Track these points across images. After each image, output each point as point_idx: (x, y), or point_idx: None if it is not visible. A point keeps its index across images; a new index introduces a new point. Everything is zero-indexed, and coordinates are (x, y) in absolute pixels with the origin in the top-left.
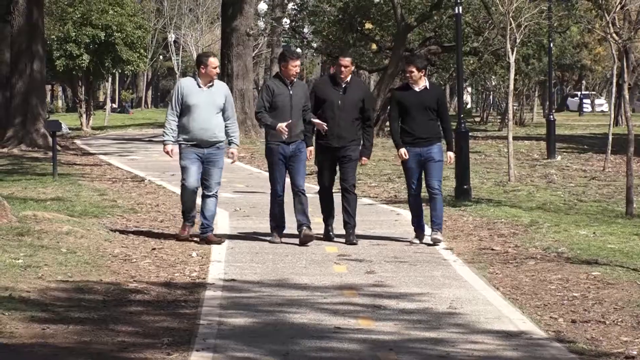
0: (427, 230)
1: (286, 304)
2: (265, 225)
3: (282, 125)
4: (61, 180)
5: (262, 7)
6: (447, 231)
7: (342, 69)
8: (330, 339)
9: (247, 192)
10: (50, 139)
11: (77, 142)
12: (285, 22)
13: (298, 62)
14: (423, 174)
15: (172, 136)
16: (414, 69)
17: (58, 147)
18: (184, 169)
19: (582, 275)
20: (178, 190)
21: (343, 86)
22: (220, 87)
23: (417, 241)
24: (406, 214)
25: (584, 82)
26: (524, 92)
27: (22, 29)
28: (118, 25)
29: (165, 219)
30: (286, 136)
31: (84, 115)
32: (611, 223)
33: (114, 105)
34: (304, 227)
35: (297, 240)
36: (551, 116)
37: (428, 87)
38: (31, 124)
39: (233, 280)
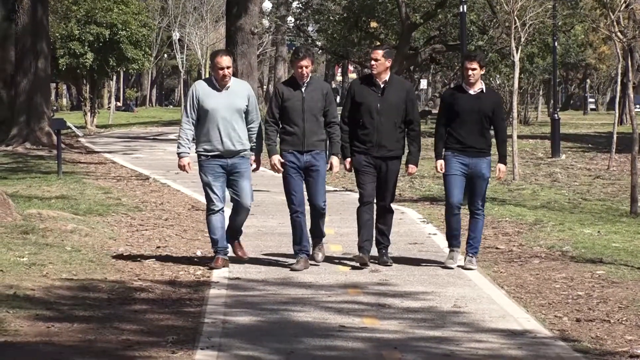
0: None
1: (290, 303)
2: (269, 224)
3: (275, 163)
4: (66, 178)
5: (267, 5)
6: None
7: (373, 62)
8: (334, 337)
9: (253, 191)
10: (54, 137)
11: (82, 140)
12: (290, 20)
13: (306, 62)
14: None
15: (188, 147)
16: (476, 66)
17: (63, 145)
18: (207, 186)
19: (587, 274)
20: (182, 188)
21: (381, 86)
22: (241, 87)
23: (453, 264)
24: (410, 213)
25: (588, 80)
26: (529, 90)
27: (27, 28)
28: (123, 24)
29: (170, 217)
30: (279, 169)
31: (89, 114)
32: (616, 222)
33: (119, 104)
34: (318, 247)
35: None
36: (555, 115)
37: (484, 91)
38: (36, 122)
39: (237, 278)
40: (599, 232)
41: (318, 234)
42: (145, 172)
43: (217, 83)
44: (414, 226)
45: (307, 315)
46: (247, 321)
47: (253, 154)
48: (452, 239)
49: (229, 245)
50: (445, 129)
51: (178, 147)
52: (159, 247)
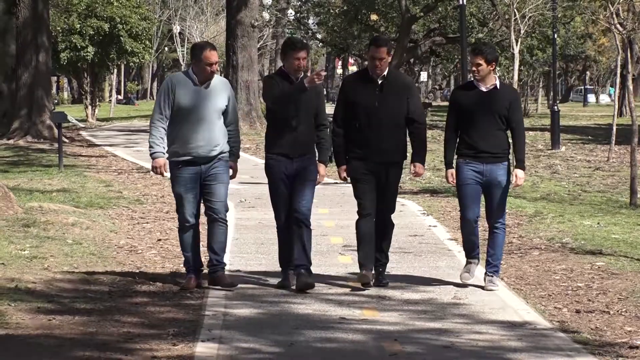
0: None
1: (291, 295)
2: (269, 216)
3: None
4: (67, 171)
5: None
6: (452, 222)
7: (377, 62)
8: (335, 329)
9: (253, 183)
10: (55, 131)
11: (83, 133)
12: (290, 13)
13: (303, 53)
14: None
15: (163, 147)
16: (481, 61)
17: (64, 139)
18: (178, 199)
19: (586, 266)
20: None
21: (379, 82)
22: (222, 85)
23: (470, 278)
24: (410, 205)
25: (588, 73)
26: (528, 83)
27: (28, 21)
28: (122, 17)
29: (171, 210)
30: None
31: (90, 107)
32: (615, 213)
33: (120, 97)
34: (302, 271)
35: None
36: (555, 107)
37: (498, 87)
38: (37, 115)
39: (238, 271)
40: (598, 223)
41: (302, 259)
42: (146, 165)
43: (198, 78)
44: (415, 218)
45: (308, 307)
46: (248, 313)
47: (230, 159)
48: (470, 250)
49: (210, 271)
50: (456, 133)
51: (151, 147)
52: (159, 239)
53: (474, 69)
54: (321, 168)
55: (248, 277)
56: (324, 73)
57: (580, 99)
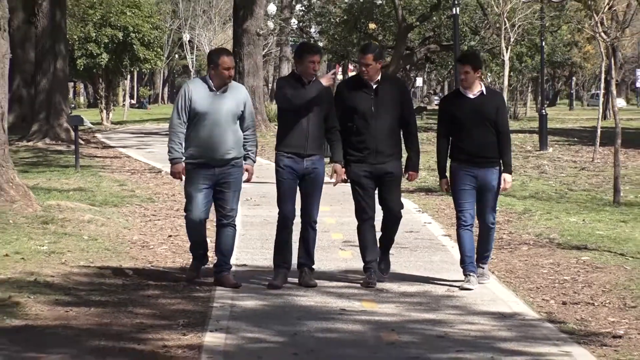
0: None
1: (294, 288)
2: (274, 214)
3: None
4: (83, 171)
5: (272, 8)
6: (445, 219)
7: (364, 68)
8: (335, 320)
9: (258, 183)
10: (72, 133)
11: (98, 135)
12: (293, 22)
13: (318, 57)
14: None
15: (182, 152)
16: (469, 69)
17: (80, 141)
18: (188, 197)
19: (572, 260)
20: None
21: (374, 87)
22: (239, 90)
23: (471, 286)
24: (406, 203)
25: (574, 78)
26: (518, 88)
27: (46, 30)
28: (134, 26)
29: (181, 207)
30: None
31: (104, 111)
32: (600, 211)
33: (133, 101)
34: (305, 269)
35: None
36: (543, 110)
37: (485, 93)
38: (55, 119)
39: (244, 265)
40: (584, 220)
41: (306, 259)
42: (157, 165)
43: (214, 84)
44: (410, 215)
45: (310, 299)
46: (254, 305)
47: (245, 162)
48: (468, 263)
49: (217, 273)
50: (448, 140)
51: (170, 152)
52: (170, 236)
53: (462, 77)
54: (338, 168)
55: (253, 271)
56: (339, 74)
57: (597, 103)
